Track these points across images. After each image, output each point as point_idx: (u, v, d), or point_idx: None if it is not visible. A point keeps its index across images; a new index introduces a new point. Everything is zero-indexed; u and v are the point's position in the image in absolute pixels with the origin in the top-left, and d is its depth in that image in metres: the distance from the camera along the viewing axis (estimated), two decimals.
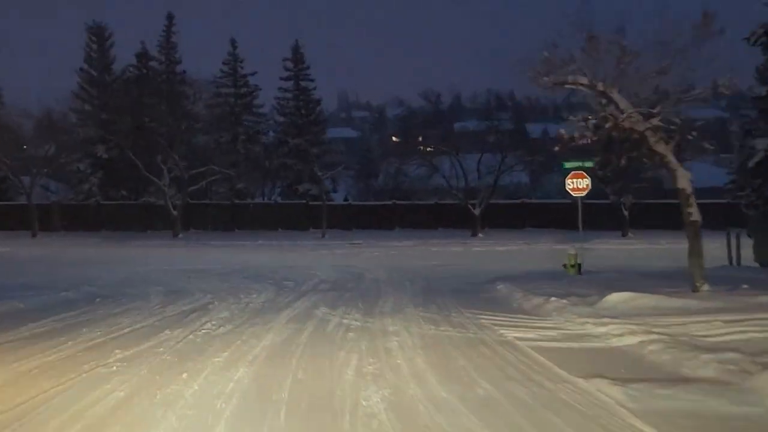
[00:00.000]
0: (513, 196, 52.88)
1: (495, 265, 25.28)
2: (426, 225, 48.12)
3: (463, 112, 49.13)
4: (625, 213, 42.02)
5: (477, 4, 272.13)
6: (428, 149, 46.51)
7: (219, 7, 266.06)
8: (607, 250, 31.72)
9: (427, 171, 45.33)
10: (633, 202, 42.47)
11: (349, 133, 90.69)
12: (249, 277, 21.13)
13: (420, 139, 47.72)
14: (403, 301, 15.19)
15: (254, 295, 16.36)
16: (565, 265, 19.99)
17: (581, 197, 22.04)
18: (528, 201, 49.63)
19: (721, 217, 46.69)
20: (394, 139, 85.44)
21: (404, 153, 47.87)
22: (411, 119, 43.72)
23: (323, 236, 43.82)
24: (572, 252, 20.05)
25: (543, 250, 32.71)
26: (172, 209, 44.68)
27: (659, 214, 44.69)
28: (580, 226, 22.31)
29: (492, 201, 44.44)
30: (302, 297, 16.04)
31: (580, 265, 19.81)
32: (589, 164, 22.85)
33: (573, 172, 21.67)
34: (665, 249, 31.16)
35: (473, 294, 16.61)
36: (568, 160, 23.05)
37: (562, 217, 46.61)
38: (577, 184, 22.41)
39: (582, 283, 16.95)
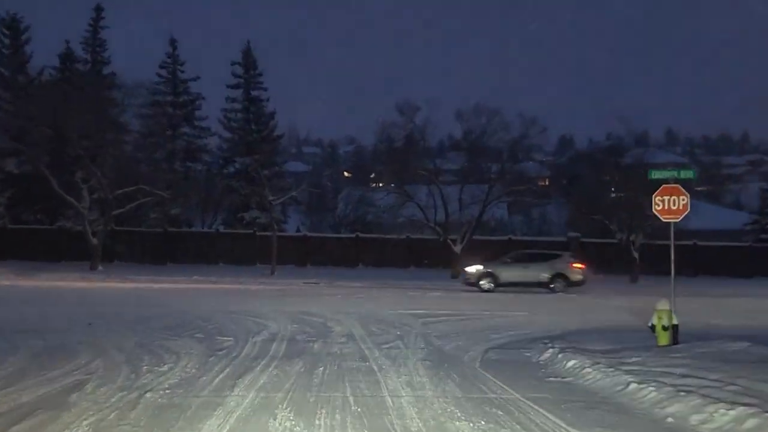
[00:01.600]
0: (495, 232, 48.13)
1: (504, 316, 20.70)
2: (395, 263, 43.26)
3: (443, 131, 43.62)
4: (635, 254, 37.38)
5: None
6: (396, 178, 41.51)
7: (160, 4, 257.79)
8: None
9: (398, 199, 40.21)
10: (643, 242, 37.92)
11: (300, 167, 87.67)
12: (171, 328, 16.38)
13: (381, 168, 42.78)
14: (422, 387, 10.19)
15: (165, 367, 11.30)
16: (652, 326, 14.09)
17: (675, 222, 16.04)
18: (515, 238, 44.84)
19: (747, 260, 43.79)
20: (346, 174, 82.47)
21: (370, 179, 42.71)
22: (386, 136, 38.67)
23: (273, 273, 38.57)
24: (664, 307, 14.16)
25: (548, 297, 27.96)
26: (91, 236, 38.97)
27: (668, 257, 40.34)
28: (673, 270, 16.63)
29: (475, 237, 39.51)
30: (245, 374, 10.84)
31: (676, 326, 14.09)
32: (688, 174, 17.32)
33: (664, 186, 15.75)
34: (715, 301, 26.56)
35: (528, 374, 11.48)
36: (656, 169, 17.42)
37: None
38: (671, 204, 15.64)
39: (709, 361, 11.45)
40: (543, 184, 39.90)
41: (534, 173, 45.20)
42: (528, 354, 13.42)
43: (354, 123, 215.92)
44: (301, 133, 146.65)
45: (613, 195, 39.99)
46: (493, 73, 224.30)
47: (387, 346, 14.25)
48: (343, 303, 24.29)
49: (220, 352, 12.81)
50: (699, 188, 40.79)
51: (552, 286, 30.66)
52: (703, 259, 41.12)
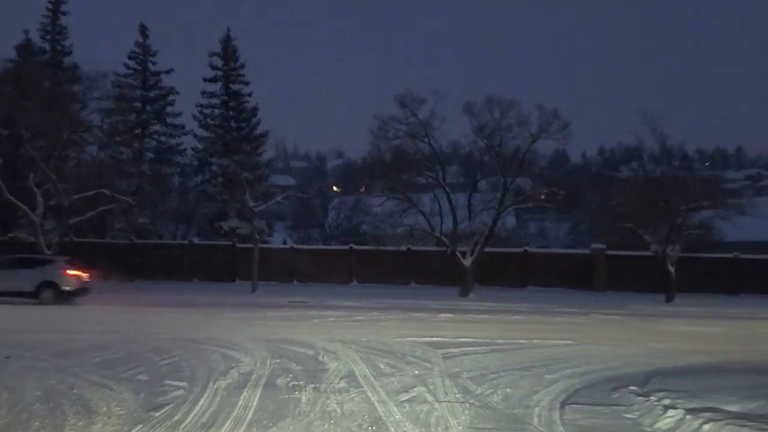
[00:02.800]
0: (506, 244, 44.29)
1: (546, 345, 16.88)
2: (394, 279, 39.48)
3: (453, 128, 39.61)
4: (671, 270, 33.50)
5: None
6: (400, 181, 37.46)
7: None
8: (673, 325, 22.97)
9: (398, 206, 36.24)
10: (680, 255, 34.08)
11: (287, 180, 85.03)
12: (110, 365, 13.05)
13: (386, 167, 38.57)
14: None
15: None
16: None
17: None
18: (532, 250, 40.97)
19: None
20: (335, 188, 79.20)
21: (364, 184, 38.72)
22: (385, 134, 34.65)
23: (254, 290, 34.68)
24: None
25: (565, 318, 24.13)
26: (45, 248, 34.93)
27: (710, 273, 36.73)
28: None
29: (486, 249, 35.61)
30: None
31: None
32: None
33: None
34: None
35: None
36: None
37: (573, 272, 38.56)
38: None
39: None
40: (559, 192, 35.44)
41: (550, 176, 41.11)
42: (630, 416, 9.58)
43: (344, 136, 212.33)
44: (289, 146, 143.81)
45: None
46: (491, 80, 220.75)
47: (407, 396, 10.53)
48: (337, 328, 20.53)
49: (159, 413, 8.97)
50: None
51: (40, 296, 26.99)
52: (746, 275, 37.33)
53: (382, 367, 13.36)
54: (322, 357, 14.69)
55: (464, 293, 34.40)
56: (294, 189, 55.06)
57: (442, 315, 25.00)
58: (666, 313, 28.30)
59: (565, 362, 14.36)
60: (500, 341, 17.72)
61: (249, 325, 20.94)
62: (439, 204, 35.73)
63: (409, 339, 17.84)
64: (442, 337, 18.26)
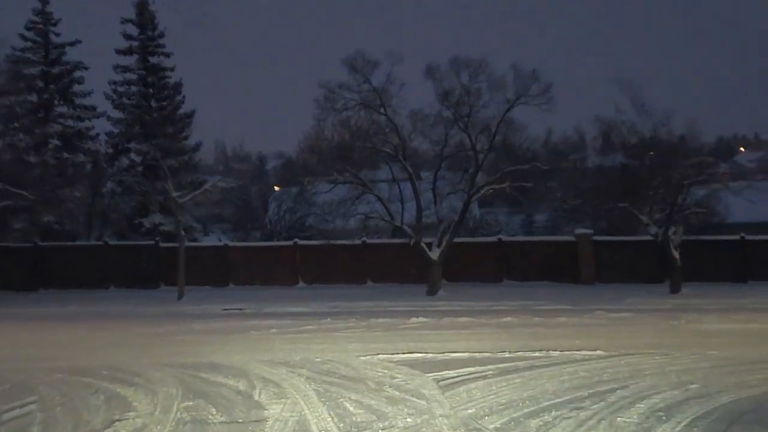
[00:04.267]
0: (474, 235, 40.20)
1: (573, 359, 12.99)
2: (347, 277, 35.10)
3: (414, 96, 35.14)
4: (675, 255, 29.64)
5: None
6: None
7: None
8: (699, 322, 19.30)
9: (351, 192, 31.88)
10: (684, 239, 30.25)
11: (228, 183, 77.61)
12: None
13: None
14: None
15: None
16: None
17: None
18: (507, 238, 36.82)
19: None
20: (276, 188, 75.04)
21: (315, 165, 34.07)
22: (332, 106, 30.21)
23: (180, 297, 30.16)
24: None
25: (589, 321, 20.15)
26: None
27: (715, 258, 33.04)
28: None
29: (455, 239, 31.45)
30: None
31: None
32: None
33: None
34: None
35: None
36: None
37: (556, 262, 34.62)
38: None
39: None
40: (542, 168, 31.42)
41: (531, 151, 36.78)
42: None
43: (286, 134, 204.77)
44: (229, 149, 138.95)
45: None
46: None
47: None
48: (281, 342, 16.41)
49: None
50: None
51: None
52: (754, 259, 33.70)
53: (352, 409, 9.32)
54: (259, 394, 10.59)
55: (432, 291, 30.21)
56: (234, 192, 50.46)
57: (414, 320, 20.86)
58: (678, 307, 24.45)
59: (622, 388, 10.55)
60: (505, 355, 13.72)
61: (165, 343, 16.69)
62: (399, 187, 31.47)
63: (381, 357, 13.83)
64: (425, 352, 14.21)
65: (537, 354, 13.74)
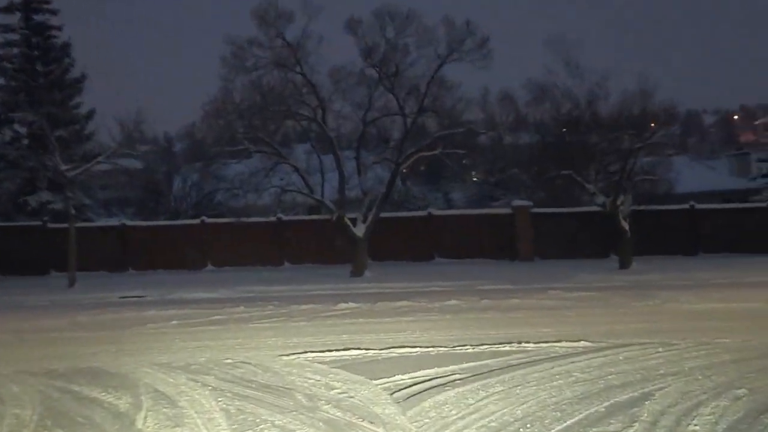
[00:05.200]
0: (401, 208, 37.65)
1: (570, 349, 10.65)
2: (261, 258, 32.44)
3: (334, 52, 32.31)
4: (625, 226, 27.50)
5: None
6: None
7: None
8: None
9: (264, 163, 28.98)
10: (633, 209, 28.18)
11: (133, 163, 73.96)
12: None
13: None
14: None
15: None
16: None
17: None
18: (438, 213, 34.28)
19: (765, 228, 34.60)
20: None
21: (223, 133, 30.85)
22: (242, 64, 27.23)
23: (72, 284, 26.89)
24: None
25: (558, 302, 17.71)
26: None
27: (663, 229, 31.22)
28: None
29: (383, 214, 28.87)
30: None
31: None
32: None
33: None
34: None
35: None
36: None
37: (490, 237, 32.43)
38: None
39: None
40: (479, 132, 29.09)
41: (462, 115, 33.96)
42: None
43: (194, 106, 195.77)
44: (132, 126, 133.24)
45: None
46: None
47: None
48: (183, 338, 13.55)
49: None
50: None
51: None
52: (704, 229, 31.92)
53: None
54: (144, 419, 7.74)
55: (358, 272, 27.52)
56: (141, 173, 47.02)
57: (342, 305, 18.04)
58: (636, 284, 22.31)
59: (647, 397, 8.14)
60: (468, 351, 11.12)
61: (39, 342, 13.70)
62: (318, 156, 28.67)
63: (309, 355, 11.10)
64: (364, 348, 11.54)
65: (507, 348, 11.12)
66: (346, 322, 15.02)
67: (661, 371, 9.22)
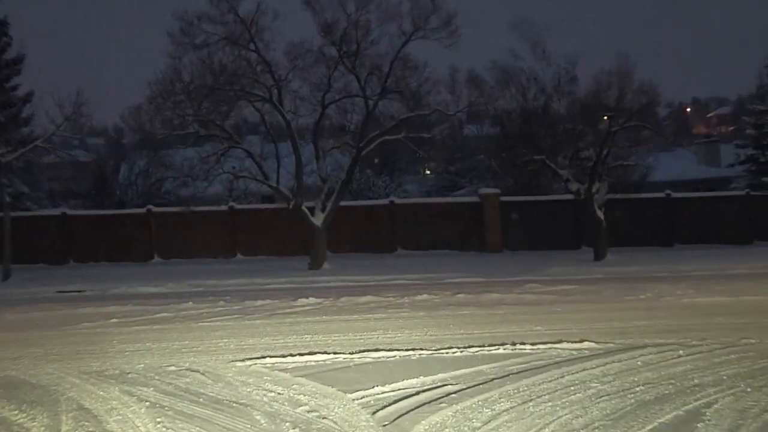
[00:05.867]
0: (360, 197, 36.15)
1: (575, 353, 8.97)
2: (212, 249, 31.06)
3: (291, 28, 30.56)
4: (600, 216, 26.21)
5: None
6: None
7: None
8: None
9: (215, 147, 27.25)
10: (609, 198, 26.92)
11: (82, 156, 71.74)
12: None
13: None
14: None
15: None
16: None
17: None
18: (401, 201, 32.76)
19: (740, 218, 33.58)
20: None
21: (170, 115, 28.92)
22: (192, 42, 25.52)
23: (6, 278, 25.22)
24: None
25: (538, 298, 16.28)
26: None
27: (638, 219, 30.16)
28: None
29: (342, 202, 27.34)
30: None
31: None
32: None
33: None
34: None
35: None
36: None
37: (457, 227, 31.14)
38: None
39: None
40: (448, 115, 27.68)
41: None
42: None
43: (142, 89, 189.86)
44: (86, 120, 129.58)
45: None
46: None
47: None
48: (121, 341, 11.86)
49: None
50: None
51: None
52: (680, 219, 30.79)
53: None
54: None
55: (316, 264, 25.93)
56: (90, 166, 45.23)
57: (302, 301, 16.41)
58: (617, 276, 21.14)
59: (699, 418, 6.41)
60: (456, 355, 9.57)
61: None
62: (274, 141, 27.01)
63: (268, 361, 9.54)
64: (332, 352, 9.93)
65: (501, 350, 9.60)
66: (308, 320, 13.42)
67: (696, 381, 7.75)
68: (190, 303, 16.53)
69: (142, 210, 32.25)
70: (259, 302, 16.40)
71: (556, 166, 26.81)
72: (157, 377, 8.80)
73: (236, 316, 14.44)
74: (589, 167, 26.75)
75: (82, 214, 33.04)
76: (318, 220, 26.47)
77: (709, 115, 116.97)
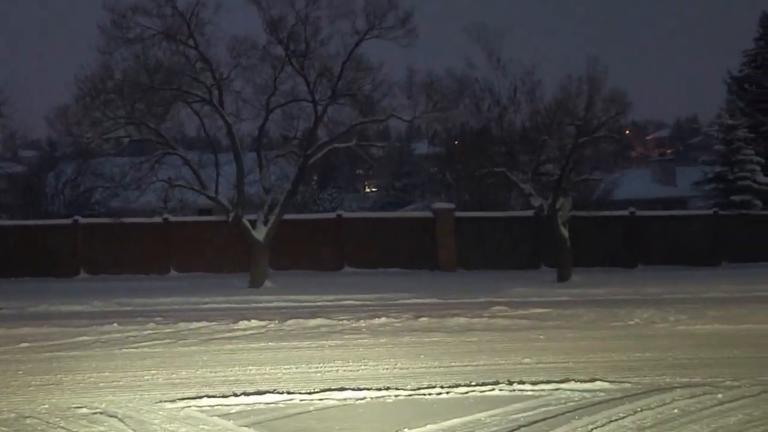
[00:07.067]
0: (304, 211, 34.52)
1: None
2: (144, 265, 29.28)
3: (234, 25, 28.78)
4: (564, 233, 24.81)
5: None
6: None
7: None
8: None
9: (149, 152, 25.47)
10: (572, 215, 25.54)
11: (15, 168, 69.92)
12: None
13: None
14: None
15: None
16: None
17: None
18: (349, 216, 31.21)
19: (708, 238, 32.57)
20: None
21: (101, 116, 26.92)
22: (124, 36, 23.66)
23: None
24: None
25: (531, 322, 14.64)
26: None
27: (601, 238, 28.93)
28: None
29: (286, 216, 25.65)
30: None
31: None
32: None
33: None
34: None
35: None
36: None
37: (408, 243, 29.65)
38: None
39: None
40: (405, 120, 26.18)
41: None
42: None
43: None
44: (18, 132, 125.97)
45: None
46: None
47: None
48: (27, 372, 9.90)
49: None
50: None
51: None
52: (644, 238, 29.67)
53: None
54: None
55: (257, 281, 24.14)
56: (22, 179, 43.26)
57: (243, 324, 14.55)
58: (588, 299, 19.65)
59: None
60: (439, 396, 7.79)
61: None
62: (213, 147, 25.22)
63: (204, 403, 7.70)
64: (285, 392, 8.11)
65: (495, 391, 7.85)
66: (252, 348, 11.59)
67: None
68: (115, 325, 14.49)
69: (68, 221, 30.24)
70: (195, 324, 14.47)
71: (518, 180, 25.41)
72: (62, 424, 6.92)
73: (168, 341, 12.54)
74: (551, 182, 25.39)
75: (3, 225, 30.92)
76: (260, 234, 24.65)
77: (648, 137, 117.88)
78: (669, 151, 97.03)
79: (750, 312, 15.52)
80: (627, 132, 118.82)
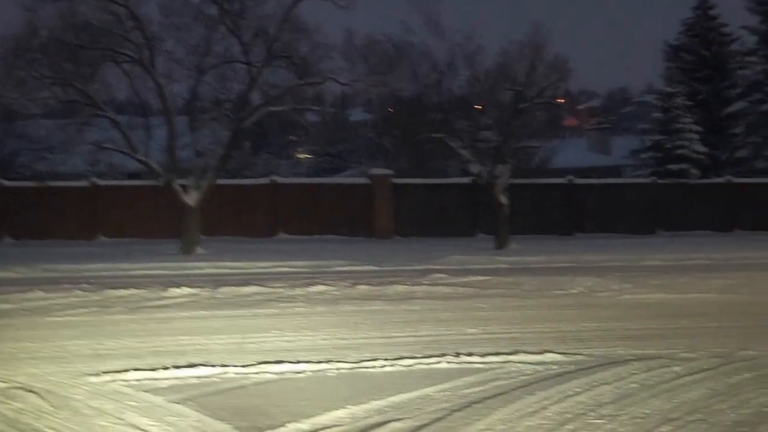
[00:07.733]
0: (238, 176, 33.83)
1: None
2: (71, 230, 27.90)
3: None
4: (503, 200, 24.54)
5: None
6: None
7: None
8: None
9: (73, 113, 24.65)
10: (511, 182, 25.30)
11: None
12: None
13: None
14: None
15: None
16: None
17: None
18: (283, 181, 30.48)
19: (645, 206, 32.57)
20: None
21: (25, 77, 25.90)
22: None
23: None
24: None
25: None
26: None
27: (539, 205, 28.81)
28: None
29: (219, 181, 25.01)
30: None
31: None
32: None
33: None
34: None
35: None
36: None
37: (344, 210, 29.29)
38: None
39: None
40: (342, 84, 25.60)
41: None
42: None
43: None
44: None
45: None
46: None
47: None
48: None
49: None
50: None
51: None
52: (582, 206, 29.60)
53: None
54: None
55: (189, 248, 23.38)
56: None
57: (174, 291, 13.99)
58: (528, 268, 19.40)
59: None
60: (383, 369, 7.43)
61: None
62: (143, 109, 24.40)
63: (133, 376, 7.28)
64: (218, 364, 7.59)
65: (444, 364, 7.49)
66: (183, 317, 11.09)
67: (731, 414, 5.80)
68: (39, 292, 13.79)
69: None
70: (123, 292, 13.84)
71: (457, 146, 25.07)
72: None
73: (94, 309, 11.96)
74: (490, 149, 25.07)
75: None
76: (191, 198, 23.88)
77: (579, 107, 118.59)
78: (602, 120, 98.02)
79: (690, 281, 15.42)
80: (563, 101, 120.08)
